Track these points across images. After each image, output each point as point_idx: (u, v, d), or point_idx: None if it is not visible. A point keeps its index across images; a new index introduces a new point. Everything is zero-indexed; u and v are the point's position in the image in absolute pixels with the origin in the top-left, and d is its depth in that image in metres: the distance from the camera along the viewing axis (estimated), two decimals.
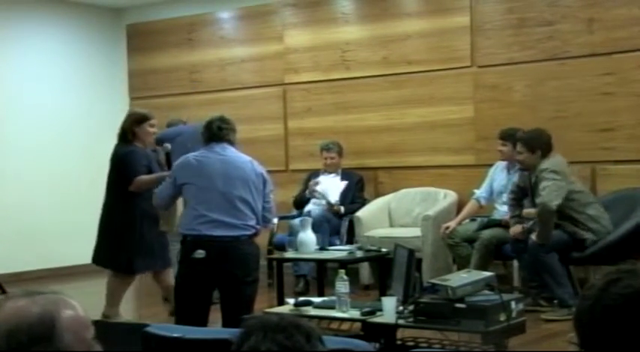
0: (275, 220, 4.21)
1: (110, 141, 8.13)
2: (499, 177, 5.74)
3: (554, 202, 4.88)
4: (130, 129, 4.88)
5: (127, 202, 4.87)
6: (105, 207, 5.05)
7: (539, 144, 5.05)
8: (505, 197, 5.56)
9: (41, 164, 7.64)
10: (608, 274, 1.21)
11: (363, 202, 6.48)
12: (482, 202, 5.76)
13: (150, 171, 4.84)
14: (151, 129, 4.91)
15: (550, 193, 4.88)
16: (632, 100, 5.73)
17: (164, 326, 2.77)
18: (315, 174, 6.52)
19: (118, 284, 5.01)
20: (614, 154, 5.80)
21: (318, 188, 6.33)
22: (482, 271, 4.51)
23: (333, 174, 6.51)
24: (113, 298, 4.97)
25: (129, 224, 4.85)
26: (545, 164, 4.97)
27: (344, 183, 6.43)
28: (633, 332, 1.13)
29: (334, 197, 6.35)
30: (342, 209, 6.36)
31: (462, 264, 5.38)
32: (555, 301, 4.91)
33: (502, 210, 5.57)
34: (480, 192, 5.79)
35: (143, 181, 4.85)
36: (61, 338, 1.27)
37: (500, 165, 5.77)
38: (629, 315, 1.14)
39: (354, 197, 6.48)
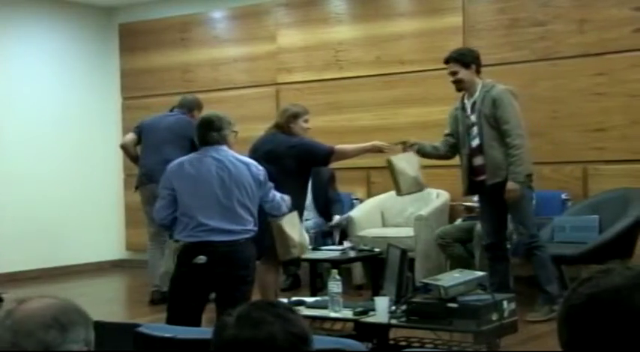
0: (285, 209, 4.10)
1: (104, 141, 8.21)
2: None
3: (523, 133, 4.72)
4: (286, 125, 4.68)
5: (303, 193, 4.70)
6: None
7: (471, 58, 4.92)
8: None
9: (34, 164, 7.62)
10: (584, 275, 1.20)
11: (338, 196, 6.31)
12: None
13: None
14: (306, 125, 4.74)
15: (516, 122, 4.72)
16: (624, 101, 5.75)
17: (156, 326, 2.76)
18: None
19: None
20: (605, 154, 5.83)
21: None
22: (487, 270, 4.56)
23: None
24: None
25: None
26: (501, 85, 4.83)
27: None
28: (594, 331, 1.11)
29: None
30: (336, 218, 6.13)
31: (454, 263, 5.39)
32: (539, 301, 4.82)
33: None
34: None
35: (345, 149, 4.77)
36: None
37: None
38: (590, 314, 1.11)
39: (330, 195, 6.25)
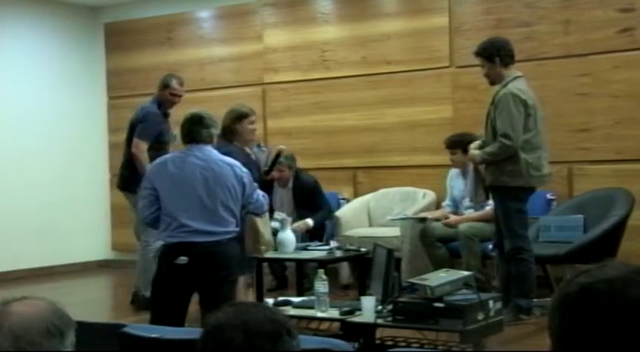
0: (266, 207, 4.11)
1: (89, 140, 8.17)
2: (456, 184, 5.77)
3: (515, 137, 4.55)
4: (231, 127, 4.64)
5: None
6: None
7: (492, 50, 4.71)
8: (467, 202, 5.59)
9: (18, 163, 7.57)
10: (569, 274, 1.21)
11: (327, 206, 6.12)
12: (449, 211, 5.80)
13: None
14: (251, 127, 4.72)
15: (505, 130, 4.56)
16: (608, 101, 5.79)
17: (142, 327, 2.75)
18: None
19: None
20: (590, 154, 5.87)
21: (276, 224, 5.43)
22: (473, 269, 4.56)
23: (285, 189, 6.15)
24: None
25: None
26: (511, 86, 4.65)
27: (289, 195, 6.09)
28: (586, 320, 1.11)
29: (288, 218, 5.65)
30: (311, 222, 5.90)
31: (437, 263, 5.39)
32: (508, 306, 4.57)
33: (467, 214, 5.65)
34: (447, 203, 5.86)
35: None
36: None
37: (454, 172, 5.80)
38: (582, 303, 1.12)
39: (317, 202, 6.06)
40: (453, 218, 5.61)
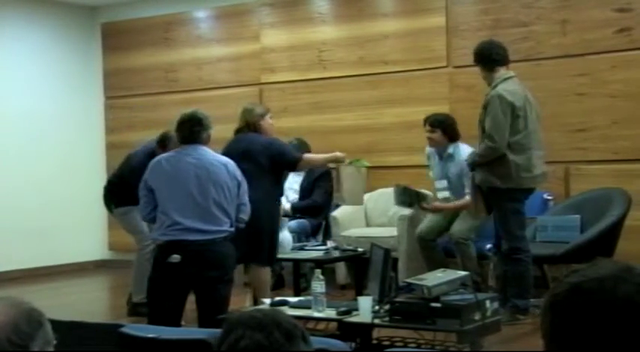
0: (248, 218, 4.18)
1: (86, 140, 8.16)
2: (433, 164, 5.72)
3: (499, 139, 4.56)
4: (256, 124, 4.85)
5: (278, 189, 4.91)
6: (258, 201, 4.33)
7: (480, 56, 4.79)
8: (444, 183, 5.58)
9: (15, 163, 7.56)
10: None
11: (317, 199, 6.27)
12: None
13: None
14: (271, 121, 5.01)
15: (492, 131, 4.58)
16: (605, 101, 5.80)
17: (139, 327, 2.76)
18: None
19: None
20: (587, 154, 5.87)
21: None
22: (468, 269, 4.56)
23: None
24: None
25: (278, 216, 4.88)
26: (499, 88, 4.66)
27: (298, 180, 6.32)
28: (576, 319, 1.11)
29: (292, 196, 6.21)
30: (287, 206, 6.03)
31: (433, 266, 5.38)
32: (505, 306, 4.58)
33: (441, 196, 5.64)
34: (440, 186, 5.77)
35: (311, 158, 5.08)
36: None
37: (430, 151, 5.71)
38: (572, 302, 1.12)
39: (315, 195, 6.25)
40: (433, 205, 5.62)
